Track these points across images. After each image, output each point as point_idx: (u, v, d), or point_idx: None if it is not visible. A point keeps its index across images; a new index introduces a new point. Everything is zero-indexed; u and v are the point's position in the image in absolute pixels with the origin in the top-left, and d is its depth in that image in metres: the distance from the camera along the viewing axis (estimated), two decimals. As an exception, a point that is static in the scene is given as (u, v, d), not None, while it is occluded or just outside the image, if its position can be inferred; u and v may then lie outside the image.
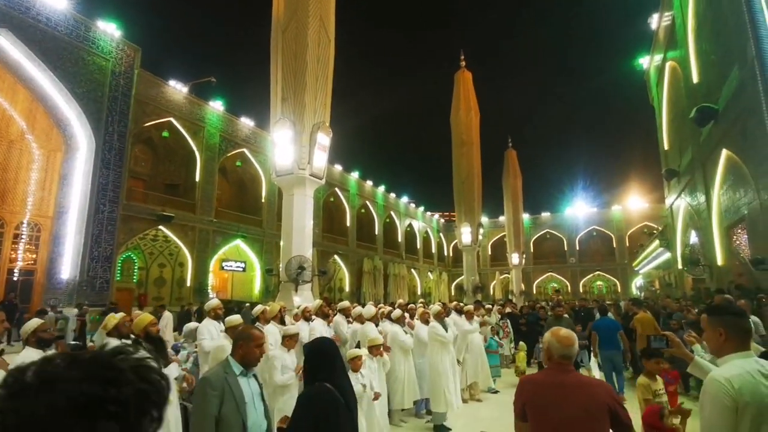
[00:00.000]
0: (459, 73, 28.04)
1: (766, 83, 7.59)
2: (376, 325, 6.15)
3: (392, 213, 39.30)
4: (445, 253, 50.20)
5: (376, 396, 4.54)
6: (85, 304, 14.90)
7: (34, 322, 3.94)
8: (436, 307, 6.47)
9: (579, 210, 44.02)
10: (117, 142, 17.53)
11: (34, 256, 16.55)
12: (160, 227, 19.48)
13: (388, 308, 7.46)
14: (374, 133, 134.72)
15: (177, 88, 20.70)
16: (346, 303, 7.19)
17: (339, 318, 6.56)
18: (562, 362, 2.35)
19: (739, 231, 10.51)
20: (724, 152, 10.64)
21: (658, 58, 18.21)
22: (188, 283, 20.61)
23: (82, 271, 16.15)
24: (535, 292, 42.35)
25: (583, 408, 2.19)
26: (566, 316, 8.66)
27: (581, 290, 41.40)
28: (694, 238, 14.75)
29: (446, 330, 6.25)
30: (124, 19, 18.98)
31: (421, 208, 45.36)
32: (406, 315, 6.91)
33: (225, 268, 23.41)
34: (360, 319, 6.19)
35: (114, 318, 4.46)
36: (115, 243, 17.35)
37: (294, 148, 11.59)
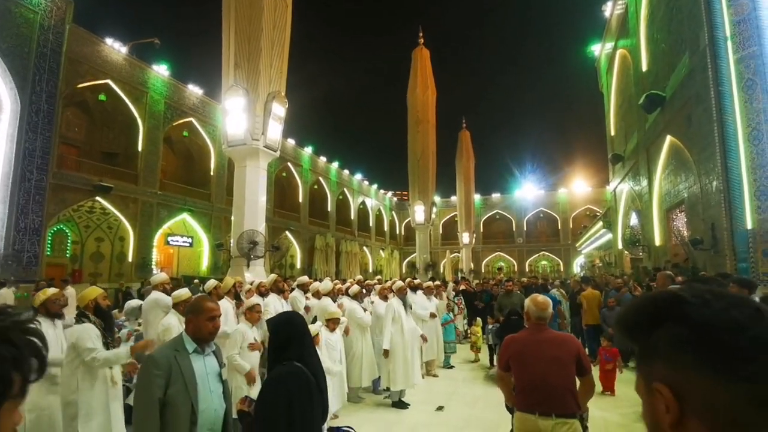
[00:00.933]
0: (417, 50, 27.69)
1: (717, 71, 7.91)
2: (334, 301, 5.97)
3: (345, 190, 38.91)
4: (398, 232, 50.59)
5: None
6: (8, 280, 13.72)
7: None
8: (399, 283, 6.39)
9: (527, 192, 45.52)
10: (45, 103, 15.93)
11: (-51, 227, 14.93)
12: (97, 198, 18.10)
13: (347, 284, 7.31)
14: (329, 107, 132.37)
15: (115, 48, 19.06)
16: (305, 278, 6.95)
17: (296, 293, 6.31)
18: (539, 323, 2.77)
19: (678, 214, 11.16)
20: (668, 138, 11.15)
21: (609, 46, 18.76)
22: (130, 259, 19.44)
23: (7, 245, 14.76)
24: (483, 270, 43.70)
25: (556, 357, 2.63)
26: (517, 291, 8.90)
27: (527, 269, 43.21)
28: (634, 220, 15.58)
29: (406, 308, 6.19)
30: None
31: (375, 186, 45.25)
32: (363, 291, 6.78)
33: (170, 242, 22.30)
34: (317, 294, 5.98)
35: (44, 293, 4.01)
36: (44, 214, 15.93)
37: (247, 118, 10.99)
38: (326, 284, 6.10)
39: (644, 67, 13.47)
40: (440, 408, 5.75)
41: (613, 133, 19.21)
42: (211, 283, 5.45)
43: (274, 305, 5.21)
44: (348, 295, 6.37)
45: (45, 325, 3.67)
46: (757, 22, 7.14)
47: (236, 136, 11.17)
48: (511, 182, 56.07)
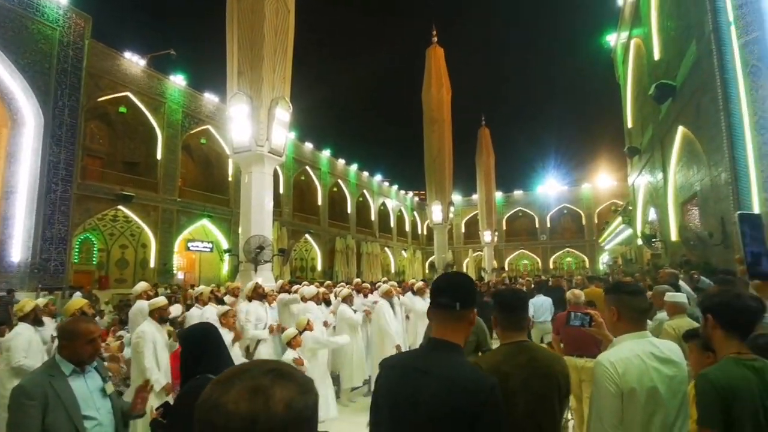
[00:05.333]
0: (431, 48, 27.59)
1: (722, 58, 7.55)
2: (319, 304, 6.05)
3: (365, 191, 39.03)
4: (420, 231, 50.40)
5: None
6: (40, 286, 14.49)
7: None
8: (385, 286, 6.42)
9: (550, 188, 44.60)
10: (68, 117, 16.63)
11: (-17, 238, 15.76)
12: (120, 207, 18.77)
13: (339, 288, 7.37)
14: (347, 110, 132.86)
15: (134, 61, 19.71)
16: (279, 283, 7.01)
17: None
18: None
19: (691, 207, 10.73)
20: (681, 129, 10.72)
21: (624, 35, 18.16)
22: (152, 264, 20.06)
23: (35, 254, 15.47)
24: (507, 269, 43.02)
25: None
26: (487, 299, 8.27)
27: (552, 266, 42.34)
28: (653, 214, 15.05)
29: (394, 310, 6.21)
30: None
31: (395, 187, 45.23)
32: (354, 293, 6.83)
33: (191, 248, 22.88)
34: (304, 299, 6.06)
35: (30, 303, 4.22)
36: (70, 224, 16.63)
37: (251, 124, 11.19)
38: (310, 289, 6.17)
39: (656, 56, 12.99)
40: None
41: (630, 125, 18.61)
42: (198, 290, 5.57)
43: (255, 312, 5.29)
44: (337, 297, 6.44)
45: (26, 331, 3.86)
46: (758, 5, 6.78)
47: (241, 142, 11.37)
48: (533, 179, 55.09)
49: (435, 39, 27.75)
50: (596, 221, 41.21)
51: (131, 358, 4.38)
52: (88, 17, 17.55)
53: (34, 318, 4.16)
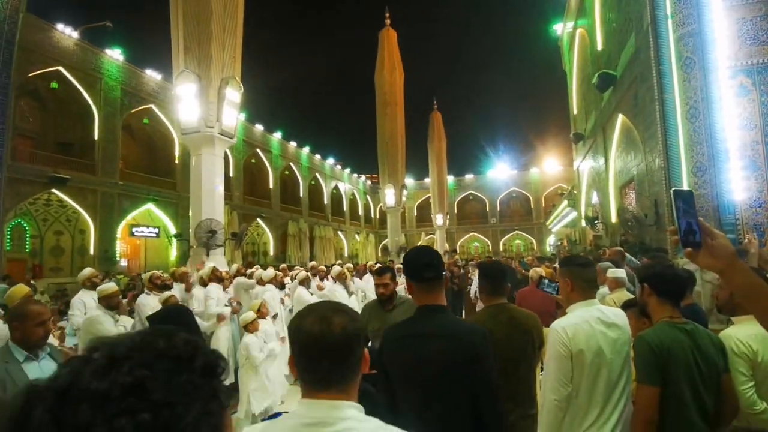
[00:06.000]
0: (384, 31, 27.41)
1: (658, 50, 8.06)
2: (283, 287, 6.01)
3: (317, 175, 38.61)
4: (372, 215, 50.61)
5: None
6: None
7: None
8: (337, 268, 6.46)
9: (500, 172, 45.96)
10: (0, 95, 15.23)
11: None
12: (53, 190, 17.53)
13: (295, 271, 7.35)
14: (299, 91, 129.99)
15: (66, 33, 18.25)
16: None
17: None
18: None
19: (629, 191, 11.50)
20: (620, 117, 11.38)
21: (570, 25, 18.88)
22: (92, 251, 18.97)
23: (-41, 241, 14.24)
24: (459, 251, 44.16)
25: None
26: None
27: (501, 249, 43.90)
28: (595, 198, 15.95)
29: (349, 293, 6.29)
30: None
31: (348, 170, 45.03)
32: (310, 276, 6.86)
33: (135, 234, 21.82)
34: (261, 282, 6.01)
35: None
36: (1, 209, 15.37)
37: (200, 104, 10.78)
38: (268, 272, 6.13)
39: (599, 47, 13.63)
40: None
41: (575, 111, 19.50)
42: (147, 275, 5.38)
43: (215, 293, 5.20)
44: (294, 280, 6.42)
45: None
46: (697, -1, 7.29)
47: (190, 123, 10.96)
48: (484, 163, 56.49)
49: (388, 22, 27.57)
50: (544, 205, 43.04)
51: (79, 343, 4.20)
52: (21, -12, 16.01)
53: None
